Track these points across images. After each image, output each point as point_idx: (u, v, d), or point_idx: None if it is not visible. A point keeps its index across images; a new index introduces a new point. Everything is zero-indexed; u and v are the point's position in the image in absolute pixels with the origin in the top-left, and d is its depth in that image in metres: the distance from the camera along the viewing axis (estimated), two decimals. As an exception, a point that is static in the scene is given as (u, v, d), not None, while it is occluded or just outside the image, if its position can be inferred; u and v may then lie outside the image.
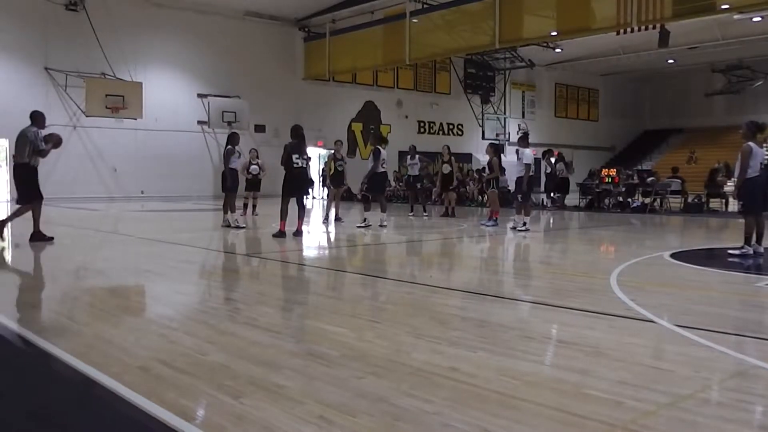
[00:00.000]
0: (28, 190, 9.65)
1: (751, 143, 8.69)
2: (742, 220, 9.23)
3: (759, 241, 8.86)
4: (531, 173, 12.84)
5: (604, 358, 3.90)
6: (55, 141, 9.74)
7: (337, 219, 14.56)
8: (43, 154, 9.62)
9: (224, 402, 3.11)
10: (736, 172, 9.02)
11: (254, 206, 16.46)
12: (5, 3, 21.96)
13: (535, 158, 32.46)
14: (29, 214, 9.79)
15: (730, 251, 8.91)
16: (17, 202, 9.91)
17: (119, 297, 6.24)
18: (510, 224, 13.06)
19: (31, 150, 9.39)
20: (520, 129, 35.64)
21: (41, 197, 9.76)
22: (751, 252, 8.70)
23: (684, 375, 3.61)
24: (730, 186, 9.13)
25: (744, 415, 3.09)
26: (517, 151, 13.35)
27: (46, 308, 5.46)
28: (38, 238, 9.71)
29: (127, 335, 4.51)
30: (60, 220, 15.58)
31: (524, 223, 12.55)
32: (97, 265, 8.36)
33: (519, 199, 12.82)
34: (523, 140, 13.37)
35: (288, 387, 3.32)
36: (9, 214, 9.77)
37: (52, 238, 9.81)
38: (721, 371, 3.74)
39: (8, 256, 9.41)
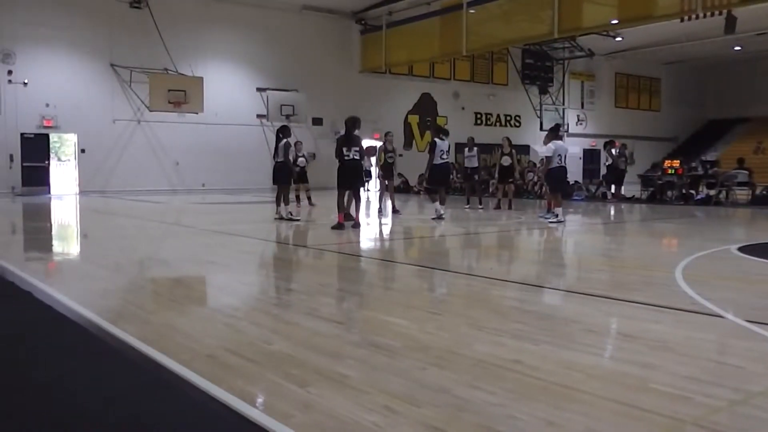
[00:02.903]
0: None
1: None
2: None
3: None
4: (558, 164, 12.36)
5: (671, 353, 3.83)
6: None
7: (395, 211, 14.59)
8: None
9: (291, 390, 3.18)
10: None
11: (309, 197, 16.65)
12: (74, 1, 22.68)
13: (593, 149, 31.70)
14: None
15: None
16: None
17: (184, 286, 6.42)
18: (549, 217, 12.76)
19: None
20: (579, 120, 35.08)
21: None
22: None
23: (755, 371, 3.51)
24: None
25: (820, 414, 3.00)
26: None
27: (116, 297, 5.64)
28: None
29: (194, 324, 4.63)
30: (124, 211, 16.07)
31: (555, 215, 12.42)
32: (161, 256, 8.60)
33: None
34: (552, 132, 13.00)
35: (352, 377, 3.37)
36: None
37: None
38: (795, 368, 3.63)
39: (78, 246, 9.75)
